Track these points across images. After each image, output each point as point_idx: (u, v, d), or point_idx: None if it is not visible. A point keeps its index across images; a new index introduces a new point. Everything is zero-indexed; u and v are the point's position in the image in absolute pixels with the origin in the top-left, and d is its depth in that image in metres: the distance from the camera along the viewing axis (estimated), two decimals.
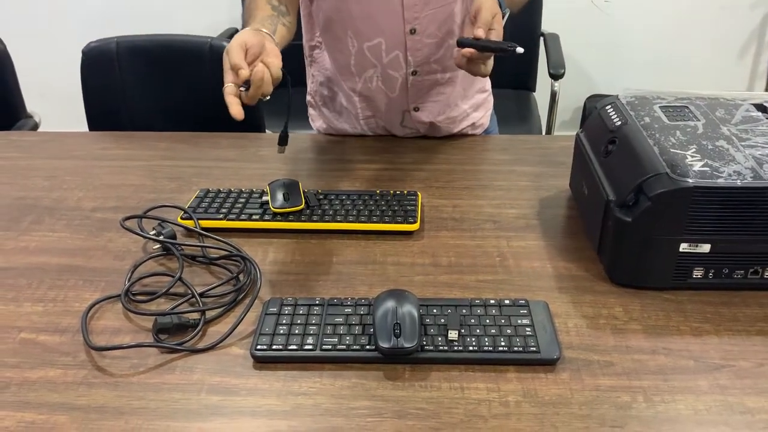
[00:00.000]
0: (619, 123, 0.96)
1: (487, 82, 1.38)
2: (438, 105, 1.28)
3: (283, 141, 1.06)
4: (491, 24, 0.98)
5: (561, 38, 2.45)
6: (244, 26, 1.07)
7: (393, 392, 0.73)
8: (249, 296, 0.87)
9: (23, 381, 0.75)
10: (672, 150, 0.86)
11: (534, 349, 0.76)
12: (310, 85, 1.38)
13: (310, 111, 1.40)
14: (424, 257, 0.96)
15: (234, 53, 0.91)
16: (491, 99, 1.41)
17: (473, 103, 1.34)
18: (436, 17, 1.18)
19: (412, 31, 1.18)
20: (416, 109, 1.28)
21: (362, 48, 1.20)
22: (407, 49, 1.20)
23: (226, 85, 0.90)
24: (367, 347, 0.77)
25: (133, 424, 0.69)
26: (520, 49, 0.95)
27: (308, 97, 1.40)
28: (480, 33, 0.96)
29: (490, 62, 1.01)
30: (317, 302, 0.83)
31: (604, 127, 0.98)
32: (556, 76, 2.25)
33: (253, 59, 0.92)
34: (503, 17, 1.01)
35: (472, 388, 0.73)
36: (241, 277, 0.89)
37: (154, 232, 0.97)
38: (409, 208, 1.03)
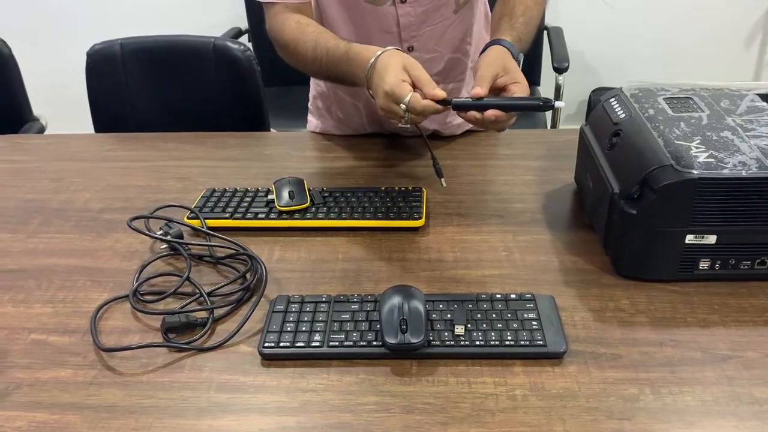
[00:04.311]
0: (624, 116, 0.96)
1: None
2: (442, 115, 1.27)
3: (439, 174, 1.08)
4: (505, 80, 0.94)
5: (564, 32, 2.45)
6: (308, 46, 1.07)
7: (400, 387, 0.73)
8: (256, 294, 0.87)
9: (34, 381, 0.75)
10: (676, 141, 0.86)
11: (541, 342, 0.76)
12: (310, 94, 1.38)
13: (310, 117, 1.40)
14: (429, 253, 0.96)
15: (422, 72, 0.92)
16: None
17: None
18: (434, 33, 1.18)
19: (410, 49, 1.18)
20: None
21: None
22: None
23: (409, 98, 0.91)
24: (374, 343, 0.77)
25: (144, 422, 0.70)
26: (559, 104, 0.90)
27: (309, 104, 1.40)
28: (476, 91, 0.91)
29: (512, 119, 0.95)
30: (324, 299, 0.83)
31: (608, 120, 0.98)
32: (560, 70, 2.25)
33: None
34: (518, 64, 0.99)
35: (479, 382, 0.73)
36: (247, 275, 0.90)
37: (161, 232, 0.98)
38: (414, 204, 1.03)
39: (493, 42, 1.02)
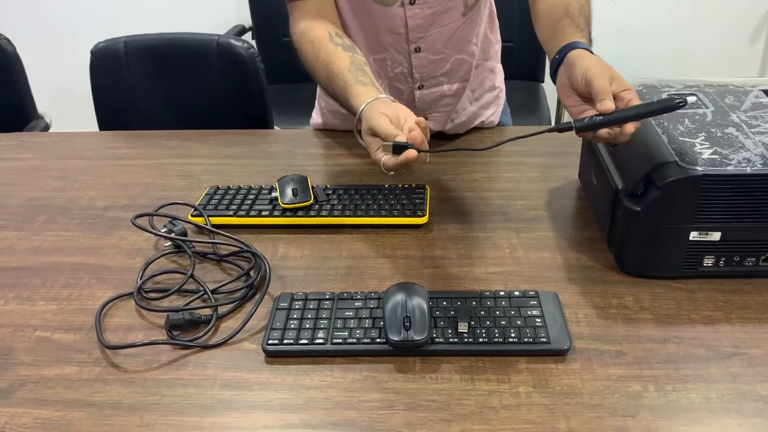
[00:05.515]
0: None
1: (498, 79, 1.36)
2: (446, 114, 1.28)
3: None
4: (614, 89, 0.83)
5: None
6: (321, 75, 1.06)
7: (404, 385, 0.73)
8: (260, 292, 0.87)
9: (39, 378, 0.76)
10: (681, 138, 0.86)
11: (544, 339, 0.76)
12: (317, 91, 1.38)
13: (314, 114, 1.40)
14: (433, 250, 0.96)
15: (382, 124, 0.88)
16: (502, 95, 1.38)
17: (483, 103, 1.33)
18: (441, 35, 1.17)
19: (417, 50, 1.17)
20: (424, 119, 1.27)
21: (369, 60, 1.20)
22: (412, 66, 1.20)
23: (381, 160, 0.88)
24: (378, 340, 0.77)
25: (148, 419, 0.70)
26: (691, 98, 0.82)
27: (316, 101, 1.39)
28: (609, 105, 0.81)
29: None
30: (327, 296, 0.83)
31: None
32: None
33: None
34: None
35: (482, 379, 0.73)
36: (251, 273, 0.90)
37: (165, 229, 0.98)
38: (417, 201, 1.03)
39: (570, 46, 0.93)
